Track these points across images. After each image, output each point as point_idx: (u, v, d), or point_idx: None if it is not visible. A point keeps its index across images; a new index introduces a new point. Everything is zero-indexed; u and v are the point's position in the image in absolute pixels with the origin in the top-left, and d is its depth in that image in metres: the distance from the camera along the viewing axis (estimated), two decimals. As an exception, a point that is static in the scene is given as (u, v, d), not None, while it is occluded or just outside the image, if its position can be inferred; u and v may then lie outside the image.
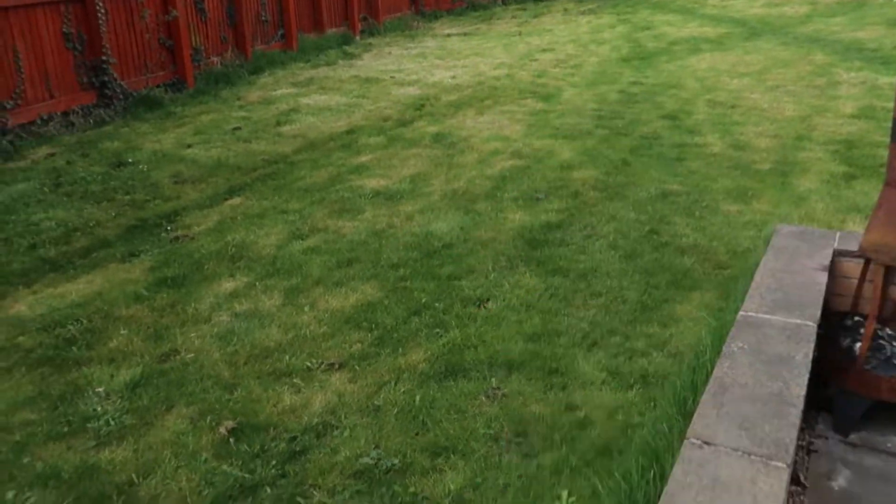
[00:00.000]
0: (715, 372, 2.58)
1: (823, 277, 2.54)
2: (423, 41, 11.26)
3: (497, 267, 3.79)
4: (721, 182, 4.89)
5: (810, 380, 2.56)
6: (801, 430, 2.58)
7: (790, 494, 2.34)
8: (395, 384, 2.87)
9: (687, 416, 2.52)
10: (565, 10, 14.07)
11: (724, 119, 6.31)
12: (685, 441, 2.57)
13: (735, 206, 4.50)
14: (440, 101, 7.43)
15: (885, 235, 2.33)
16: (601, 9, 13.80)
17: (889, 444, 2.44)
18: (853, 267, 2.64)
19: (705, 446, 2.57)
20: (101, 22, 6.92)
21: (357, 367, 2.97)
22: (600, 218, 4.37)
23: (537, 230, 4.20)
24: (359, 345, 3.13)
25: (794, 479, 2.42)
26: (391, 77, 8.60)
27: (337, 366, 3.00)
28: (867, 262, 2.46)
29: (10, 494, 2.51)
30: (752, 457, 2.31)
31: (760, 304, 2.57)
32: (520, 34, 11.13)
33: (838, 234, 2.89)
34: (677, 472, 2.42)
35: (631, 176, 5.07)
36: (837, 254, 2.71)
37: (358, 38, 11.02)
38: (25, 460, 2.67)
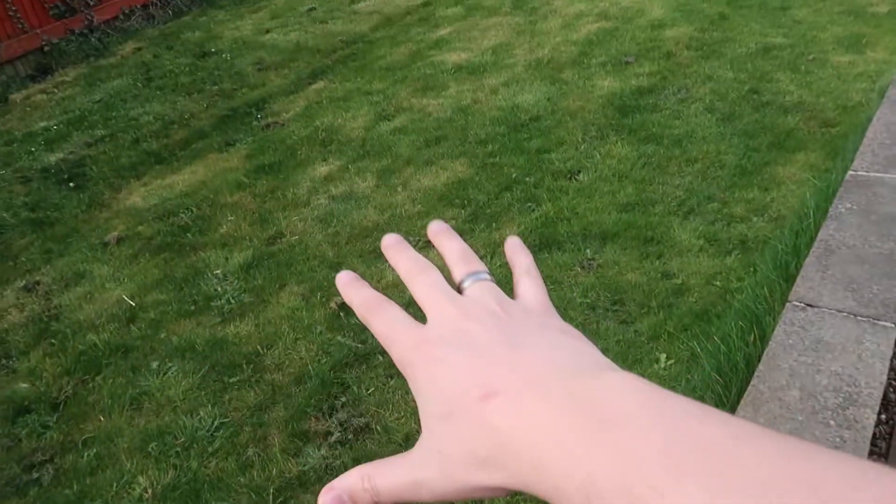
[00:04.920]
0: (820, 234, 2.68)
1: (944, 130, 2.57)
2: None
3: (587, 137, 3.91)
4: (831, 30, 4.70)
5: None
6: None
7: (899, 354, 2.44)
8: (491, 258, 3.11)
9: (789, 279, 2.65)
10: None
11: None
12: (787, 304, 2.71)
13: (846, 56, 4.35)
14: None
15: None
16: None
17: None
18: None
19: (808, 308, 2.70)
20: None
21: (453, 243, 3.23)
22: (695, 79, 4.34)
23: (628, 96, 4.26)
24: (453, 221, 3.37)
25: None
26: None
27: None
28: None
29: (154, 364, 2.91)
30: (859, 318, 2.43)
31: (872, 162, 2.60)
32: None
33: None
34: (779, 334, 2.57)
35: (728, 31, 4.95)
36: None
37: None
38: (162, 335, 3.06)
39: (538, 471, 0.26)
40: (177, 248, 3.53)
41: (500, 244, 3.17)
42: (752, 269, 2.85)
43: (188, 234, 3.61)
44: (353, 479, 0.32)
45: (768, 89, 4.09)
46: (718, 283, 2.85)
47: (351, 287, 0.37)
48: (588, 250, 3.08)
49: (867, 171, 2.58)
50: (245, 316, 3.12)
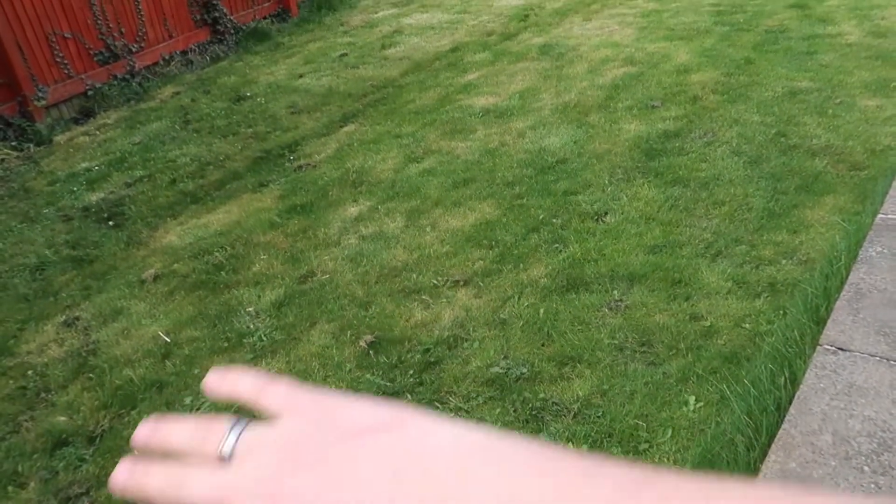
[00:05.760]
0: (850, 277, 2.69)
1: (974, 171, 2.55)
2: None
3: (614, 180, 3.96)
4: (858, 75, 4.73)
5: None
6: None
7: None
8: (519, 298, 3.17)
9: (819, 323, 2.66)
10: None
11: (862, 2, 6.04)
12: (818, 347, 2.71)
13: (874, 100, 4.38)
14: (544, 9, 7.51)
15: None
16: None
17: None
18: None
19: (840, 352, 2.70)
20: (209, -42, 7.42)
21: (481, 283, 3.29)
22: (722, 123, 4.38)
23: (654, 139, 4.31)
24: (481, 262, 3.45)
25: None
26: (492, -12, 8.67)
27: (462, 282, 3.33)
28: None
29: (187, 400, 2.99)
30: (892, 362, 2.43)
31: None
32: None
33: None
34: (810, 378, 2.57)
35: (755, 75, 5.00)
36: None
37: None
38: (196, 371, 3.13)
39: None
40: (211, 285, 3.64)
41: (528, 284, 3.25)
42: (781, 312, 2.86)
43: (222, 273, 3.72)
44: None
45: (795, 132, 4.13)
46: (747, 325, 2.86)
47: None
48: (616, 291, 3.12)
49: (897, 215, 2.58)
50: (276, 353, 3.20)
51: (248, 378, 0.35)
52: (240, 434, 0.32)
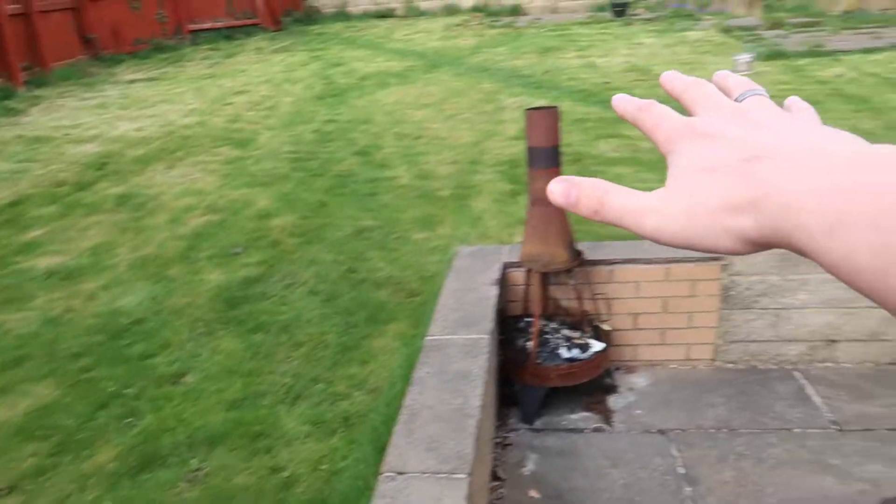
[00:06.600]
0: (406, 400, 3.01)
1: (494, 291, 3.02)
2: (104, 89, 10.63)
3: (194, 335, 3.85)
4: (409, 212, 5.48)
5: (501, 381, 3.01)
6: (497, 428, 3.03)
7: (490, 490, 2.77)
8: (81, 494, 2.79)
9: (382, 450, 2.90)
10: (258, 48, 14.16)
11: (410, 150, 7.06)
12: (380, 476, 2.94)
13: (422, 233, 5.09)
14: (125, 157, 7.21)
15: (536, 247, 2.93)
16: (294, 46, 14.13)
17: (564, 422, 3.01)
18: (519, 276, 3.19)
19: (398, 476, 2.95)
20: None
21: (31, 487, 2.82)
22: (300, 264, 4.65)
23: (236, 287, 4.35)
24: (33, 459, 2.97)
25: (494, 476, 2.85)
26: (65, 134, 8.05)
27: (6, 491, 2.81)
28: (528, 270, 3.04)
29: None
30: (439, 475, 2.75)
31: (444, 326, 2.92)
32: (212, 76, 11.11)
33: (507, 248, 3.42)
34: (373, 510, 2.74)
35: (328, 217, 5.46)
36: (506, 266, 3.24)
37: (22, 90, 9.91)
38: None
39: (786, 210, 0.27)
40: None
41: (93, 474, 2.88)
42: (353, 445, 3.05)
43: None
44: (587, 183, 0.34)
45: (363, 267, 4.62)
46: (325, 466, 2.97)
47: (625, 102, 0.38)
48: (194, 460, 2.97)
49: (440, 335, 2.92)
50: None
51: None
52: (749, 97, 0.36)
